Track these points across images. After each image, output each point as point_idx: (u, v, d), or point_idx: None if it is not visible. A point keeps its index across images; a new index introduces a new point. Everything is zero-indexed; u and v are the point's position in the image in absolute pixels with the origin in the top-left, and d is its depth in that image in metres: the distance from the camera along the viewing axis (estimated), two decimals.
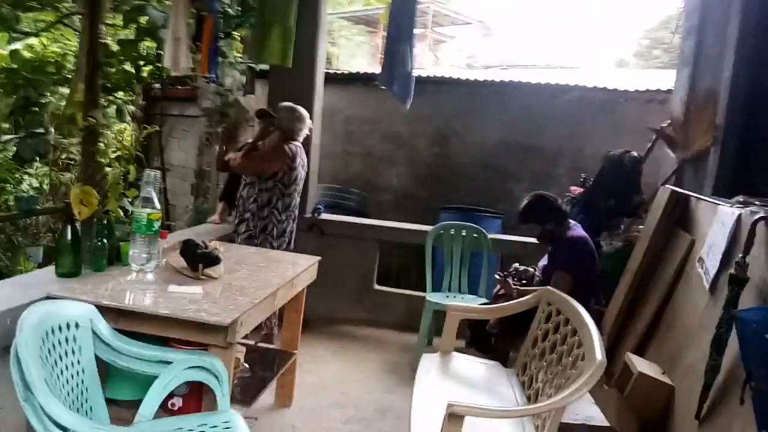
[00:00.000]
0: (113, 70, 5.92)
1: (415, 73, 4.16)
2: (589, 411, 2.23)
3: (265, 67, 5.13)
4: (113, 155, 5.56)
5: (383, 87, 4.19)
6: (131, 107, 6.68)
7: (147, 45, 6.11)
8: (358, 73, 7.27)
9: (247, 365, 2.69)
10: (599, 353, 1.80)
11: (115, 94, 6.55)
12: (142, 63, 6.05)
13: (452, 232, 4.22)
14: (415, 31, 4.10)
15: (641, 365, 2.50)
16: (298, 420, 2.99)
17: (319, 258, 3.17)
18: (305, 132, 3.85)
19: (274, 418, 3.01)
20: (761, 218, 2.09)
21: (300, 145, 3.77)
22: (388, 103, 7.01)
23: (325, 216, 4.89)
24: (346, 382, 3.54)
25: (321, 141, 7.31)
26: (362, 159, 7.15)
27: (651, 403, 2.40)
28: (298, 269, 2.86)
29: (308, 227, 4.78)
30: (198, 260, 2.36)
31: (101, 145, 4.71)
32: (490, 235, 4.21)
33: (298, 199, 3.82)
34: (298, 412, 3.09)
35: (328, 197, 6.38)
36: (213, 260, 2.40)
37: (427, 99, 6.83)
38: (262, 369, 2.82)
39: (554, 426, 1.84)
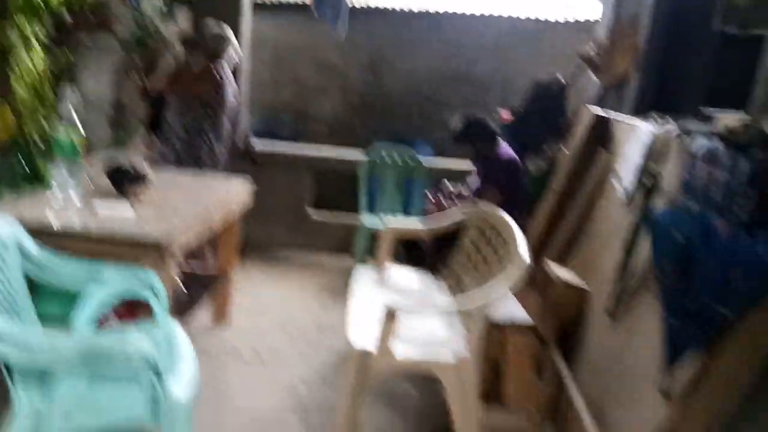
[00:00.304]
0: None
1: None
2: (514, 311, 2.40)
3: None
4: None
5: (318, 16, 4.08)
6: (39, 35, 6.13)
7: None
8: (289, 3, 6.96)
9: (182, 287, 2.68)
10: (523, 252, 1.93)
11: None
12: None
13: (387, 160, 4.27)
14: None
15: (560, 272, 2.69)
16: (238, 339, 3.04)
17: (250, 180, 3.13)
18: (231, 53, 3.71)
19: (212, 336, 3.05)
20: (676, 135, 2.24)
21: (227, 66, 3.64)
22: (318, 31, 6.85)
23: (258, 145, 4.80)
24: (284, 303, 3.62)
25: (250, 68, 7.07)
26: (293, 87, 7.00)
27: (569, 305, 2.59)
28: (231, 190, 2.84)
29: (240, 155, 4.69)
30: (126, 181, 2.29)
31: (14, 67, 4.34)
32: (422, 158, 4.30)
33: (230, 125, 3.73)
34: (237, 332, 3.13)
35: (259, 126, 6.24)
36: (142, 180, 2.33)
37: (360, 28, 6.70)
38: (197, 290, 2.83)
39: (480, 321, 1.98)
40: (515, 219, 3.20)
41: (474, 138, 3.23)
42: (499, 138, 3.31)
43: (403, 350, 1.98)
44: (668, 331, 1.81)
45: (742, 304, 1.67)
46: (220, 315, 3.17)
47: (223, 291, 3.13)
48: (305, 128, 6.71)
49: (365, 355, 1.92)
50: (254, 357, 2.90)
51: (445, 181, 3.61)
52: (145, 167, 2.45)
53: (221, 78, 3.51)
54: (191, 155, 3.50)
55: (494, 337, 2.23)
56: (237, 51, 3.77)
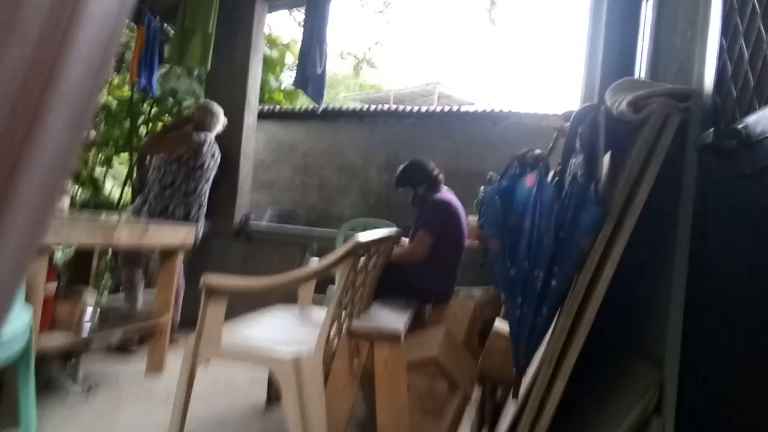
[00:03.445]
0: None
1: (328, 73, 4.40)
2: (391, 321, 2.22)
3: None
4: None
5: (298, 88, 4.43)
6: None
7: None
8: (306, 110, 7.56)
9: (97, 311, 2.71)
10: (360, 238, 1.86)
11: None
12: None
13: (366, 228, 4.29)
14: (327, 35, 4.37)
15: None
16: (159, 384, 2.96)
17: (194, 227, 3.26)
18: (218, 127, 4.06)
19: (135, 380, 2.99)
20: None
21: (212, 137, 3.96)
22: (341, 135, 7.32)
23: (253, 224, 5.00)
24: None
25: (280, 175, 7.56)
26: (320, 191, 7.35)
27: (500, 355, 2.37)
28: (175, 233, 2.97)
29: (236, 233, 4.89)
30: None
31: None
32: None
33: (206, 189, 3.96)
34: (168, 378, 3.06)
35: (276, 218, 6.52)
36: None
37: (378, 130, 7.11)
38: (116, 324, 2.85)
39: (326, 324, 1.86)
40: (457, 262, 3.09)
41: (413, 181, 3.23)
42: (439, 182, 3.28)
43: (242, 342, 1.88)
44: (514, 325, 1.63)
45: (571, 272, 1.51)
46: (154, 363, 3.13)
47: (158, 337, 3.12)
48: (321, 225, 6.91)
49: (194, 342, 1.84)
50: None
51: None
52: (65, 184, 2.63)
53: (200, 143, 3.80)
54: (163, 208, 3.71)
55: (363, 348, 2.06)
56: (223, 125, 4.11)
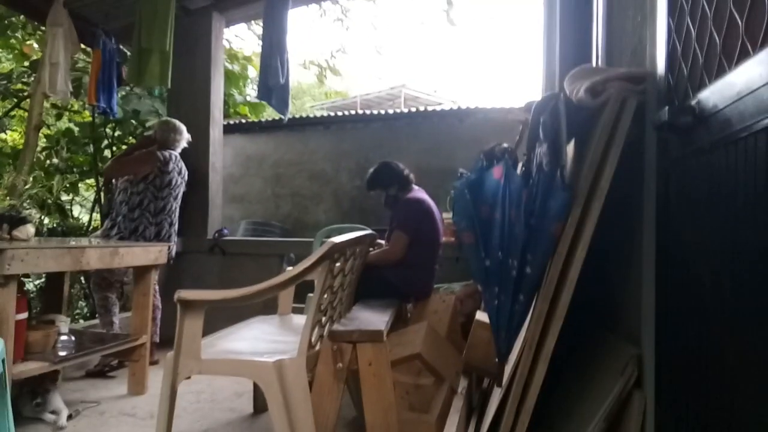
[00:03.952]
0: None
1: (291, 84, 4.39)
2: (373, 321, 2.22)
3: None
4: None
5: (262, 101, 4.40)
6: None
7: None
8: (272, 121, 7.54)
9: (71, 337, 2.66)
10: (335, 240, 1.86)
11: None
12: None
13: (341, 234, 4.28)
14: (287, 45, 4.36)
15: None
16: (142, 405, 2.92)
17: (168, 244, 3.22)
18: (182, 143, 4.01)
19: (118, 403, 2.94)
20: None
21: (176, 154, 3.91)
22: (311, 144, 7.31)
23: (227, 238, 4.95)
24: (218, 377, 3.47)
25: (251, 187, 7.51)
26: (293, 200, 7.32)
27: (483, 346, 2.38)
28: (148, 252, 2.93)
29: (210, 249, 4.84)
30: (2, 220, 2.42)
31: None
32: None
33: (176, 206, 3.90)
34: (150, 399, 3.01)
35: (251, 232, 6.48)
36: (19, 220, 2.45)
37: (347, 136, 7.12)
38: (92, 348, 2.79)
39: (307, 331, 1.86)
40: (425, 260, 3.11)
41: (384, 183, 3.24)
42: (410, 182, 3.30)
43: (222, 354, 1.87)
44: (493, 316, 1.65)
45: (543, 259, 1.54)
46: (136, 384, 3.08)
47: (137, 357, 3.06)
48: (302, 236, 6.88)
49: (173, 358, 1.82)
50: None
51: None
52: (31, 213, 2.58)
53: (165, 161, 3.75)
54: (132, 230, 3.64)
55: (346, 351, 2.05)
56: (187, 141, 4.06)
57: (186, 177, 4.00)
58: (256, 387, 2.78)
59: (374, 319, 2.22)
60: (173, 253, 3.89)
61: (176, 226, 3.92)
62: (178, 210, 3.93)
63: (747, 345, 0.99)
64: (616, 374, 1.45)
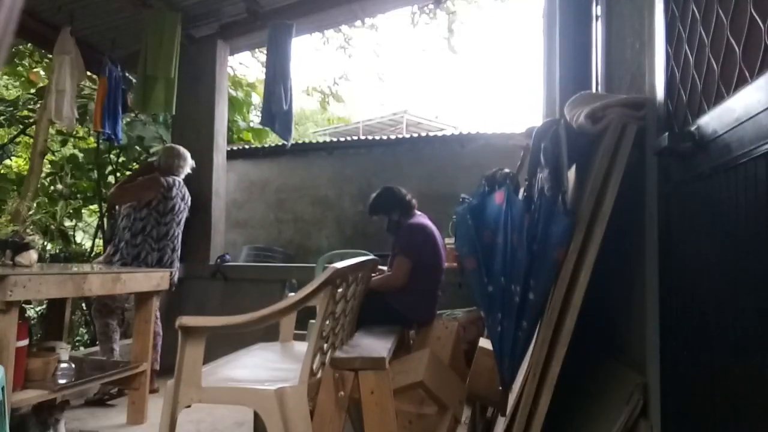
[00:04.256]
0: None
1: (294, 110, 4.43)
2: (375, 348, 2.19)
3: None
4: None
5: (265, 127, 4.44)
6: None
7: None
8: (275, 146, 7.60)
9: (71, 365, 2.64)
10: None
11: None
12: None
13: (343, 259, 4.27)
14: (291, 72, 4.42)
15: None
16: None
17: (170, 270, 3.21)
18: (185, 169, 4.03)
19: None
20: None
21: (180, 180, 3.93)
22: (314, 169, 7.34)
23: (229, 264, 4.95)
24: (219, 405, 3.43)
25: (254, 213, 7.53)
26: (295, 225, 7.33)
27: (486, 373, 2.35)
28: (150, 279, 2.92)
29: (212, 274, 4.83)
30: (5, 246, 2.42)
31: None
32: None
33: (179, 232, 3.91)
34: (150, 428, 2.97)
35: (253, 258, 6.47)
36: (22, 246, 2.45)
37: (350, 161, 7.16)
38: (91, 376, 2.76)
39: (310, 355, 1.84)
40: (427, 285, 3.09)
41: (386, 208, 3.25)
42: (413, 207, 3.30)
43: (222, 382, 1.85)
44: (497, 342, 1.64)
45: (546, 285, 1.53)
46: (136, 413, 3.04)
47: (137, 386, 3.03)
48: (304, 261, 6.87)
49: (174, 386, 1.80)
50: None
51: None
52: (34, 239, 2.59)
53: (168, 186, 3.76)
54: (134, 256, 3.64)
55: (348, 378, 2.03)
56: (191, 167, 4.09)
57: (189, 203, 4.01)
58: (256, 416, 2.74)
59: (376, 345, 2.20)
60: (176, 279, 3.88)
61: (178, 252, 3.92)
62: (180, 236, 3.93)
63: (753, 371, 0.97)
64: (622, 403, 1.43)
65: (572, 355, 1.46)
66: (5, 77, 7.40)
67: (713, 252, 1.15)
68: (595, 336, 1.90)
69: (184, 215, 3.95)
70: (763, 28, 0.96)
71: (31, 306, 6.17)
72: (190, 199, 4.02)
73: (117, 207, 4.00)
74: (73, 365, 2.65)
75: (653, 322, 1.45)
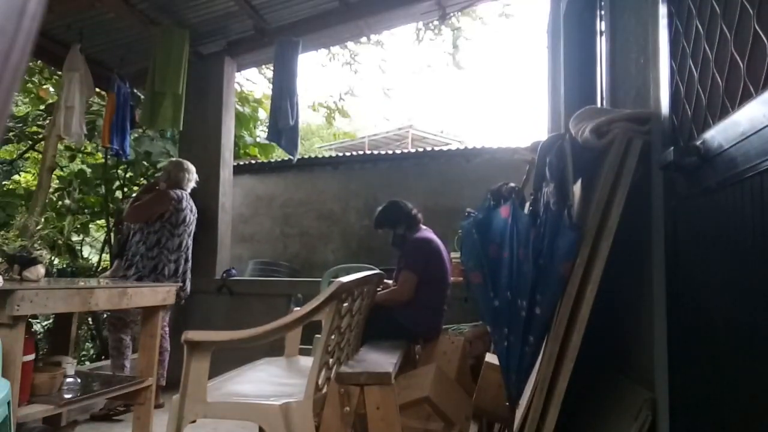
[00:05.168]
0: None
1: (301, 126, 4.46)
2: (380, 362, 2.19)
3: None
4: None
5: (272, 142, 4.47)
6: None
7: None
8: (281, 161, 7.62)
9: (77, 380, 2.63)
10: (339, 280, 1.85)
11: None
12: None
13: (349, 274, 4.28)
14: (297, 88, 4.45)
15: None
16: None
17: (178, 284, 3.22)
18: (191, 183, 4.07)
19: None
20: None
21: (187, 193, 3.96)
22: (319, 184, 7.37)
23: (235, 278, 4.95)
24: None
25: (260, 227, 7.55)
26: (301, 240, 7.33)
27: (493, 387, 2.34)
28: (156, 293, 2.93)
29: (218, 289, 4.84)
30: (13, 261, 2.43)
31: None
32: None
33: (190, 243, 3.93)
34: None
35: (258, 272, 6.47)
36: (29, 261, 2.46)
37: (355, 176, 7.18)
38: (98, 391, 2.75)
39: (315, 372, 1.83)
40: (433, 300, 3.08)
41: (391, 222, 3.25)
42: (418, 221, 3.30)
43: (228, 397, 1.84)
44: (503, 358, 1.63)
45: (553, 299, 1.52)
46: (141, 427, 3.03)
47: (143, 400, 3.02)
48: (310, 275, 6.87)
49: (179, 401, 1.80)
50: None
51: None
52: (42, 254, 2.60)
53: (179, 199, 3.80)
54: (151, 268, 3.67)
55: (354, 393, 2.02)
56: (195, 181, 4.12)
57: (196, 214, 4.04)
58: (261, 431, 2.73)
59: (382, 360, 2.19)
60: (188, 290, 3.90)
61: (191, 263, 3.94)
62: (191, 247, 3.96)
63: (763, 387, 0.97)
64: (630, 419, 1.42)
65: (580, 370, 1.45)
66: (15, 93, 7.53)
67: (720, 266, 1.14)
68: (603, 351, 1.88)
69: (194, 226, 3.98)
70: (766, 42, 0.96)
71: (38, 320, 6.18)
72: (196, 211, 4.05)
73: (126, 223, 4.03)
74: (79, 380, 2.65)
75: (661, 337, 1.44)
